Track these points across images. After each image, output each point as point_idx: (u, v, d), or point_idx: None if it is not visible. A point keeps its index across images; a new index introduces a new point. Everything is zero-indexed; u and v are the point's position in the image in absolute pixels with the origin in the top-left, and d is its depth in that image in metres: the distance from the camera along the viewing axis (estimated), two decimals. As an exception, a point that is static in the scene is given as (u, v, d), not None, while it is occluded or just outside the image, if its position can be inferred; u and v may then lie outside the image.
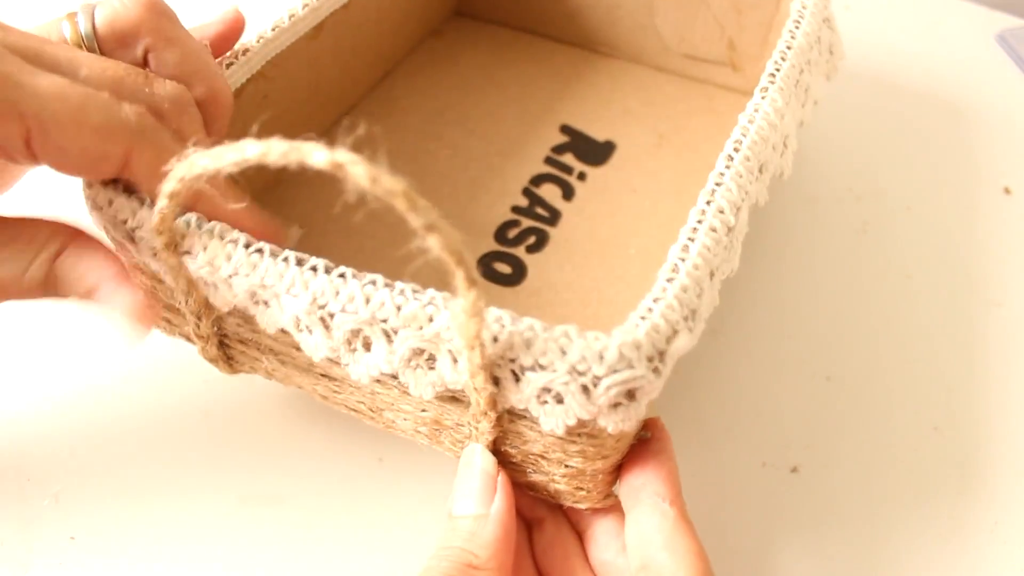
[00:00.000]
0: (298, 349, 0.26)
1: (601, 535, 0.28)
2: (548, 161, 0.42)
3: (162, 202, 0.23)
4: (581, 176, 0.42)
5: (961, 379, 0.38)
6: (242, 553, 0.30)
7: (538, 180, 0.41)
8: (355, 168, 0.19)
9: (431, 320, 0.23)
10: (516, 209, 0.40)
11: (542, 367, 0.22)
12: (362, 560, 0.30)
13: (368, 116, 0.44)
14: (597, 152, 0.43)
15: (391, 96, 0.45)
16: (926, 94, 0.53)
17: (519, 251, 0.38)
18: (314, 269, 0.24)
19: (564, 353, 0.22)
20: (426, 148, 0.43)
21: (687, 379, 0.36)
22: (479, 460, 0.26)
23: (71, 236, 0.26)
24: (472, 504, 0.25)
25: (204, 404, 0.34)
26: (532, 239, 0.39)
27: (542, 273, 0.37)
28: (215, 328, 0.28)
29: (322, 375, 0.28)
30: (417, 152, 0.42)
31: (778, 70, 0.32)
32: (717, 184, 0.27)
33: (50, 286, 0.25)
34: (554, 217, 0.40)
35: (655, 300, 0.24)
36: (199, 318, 0.28)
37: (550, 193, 0.41)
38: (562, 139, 0.43)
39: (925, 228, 0.45)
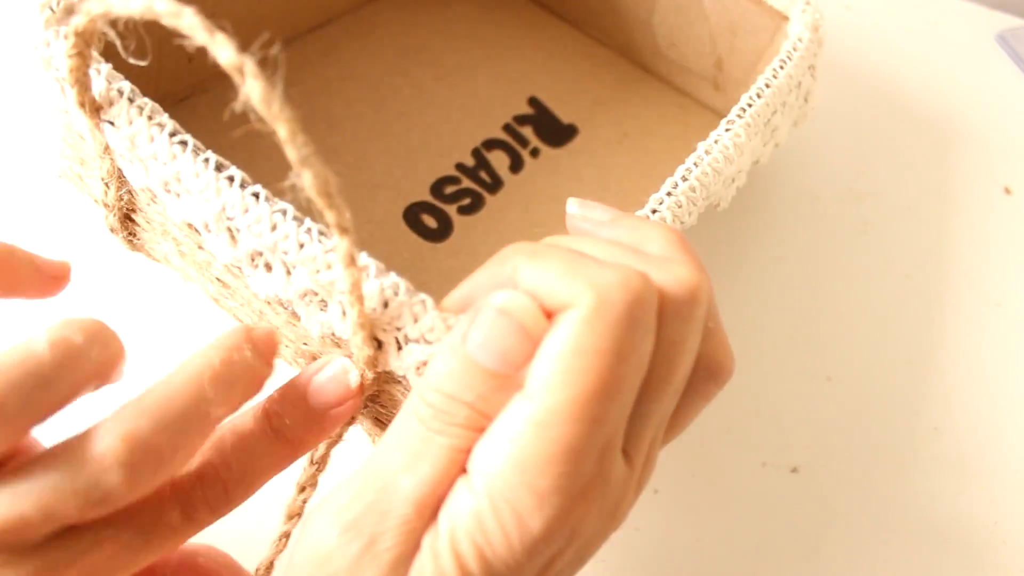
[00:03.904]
0: (200, 247, 0.25)
1: None
2: (506, 128, 0.41)
3: (69, 42, 0.21)
4: (535, 152, 0.41)
5: (961, 379, 0.38)
6: (240, 554, 0.30)
7: (491, 144, 0.41)
8: (253, 81, 0.17)
9: (329, 268, 0.22)
10: (460, 167, 0.39)
11: (427, 342, 0.22)
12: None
13: (344, 33, 0.43)
14: (558, 133, 0.42)
15: (373, 20, 0.44)
16: (926, 94, 0.53)
17: (450, 209, 0.38)
18: (230, 179, 0.23)
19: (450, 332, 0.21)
20: (391, 82, 0.42)
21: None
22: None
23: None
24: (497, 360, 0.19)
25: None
26: (467, 200, 0.38)
27: (466, 236, 0.36)
28: (122, 199, 0.27)
29: (217, 278, 0.27)
30: (381, 83, 0.41)
31: (750, 105, 0.32)
32: (653, 211, 0.27)
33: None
34: (496, 185, 0.39)
35: None
36: (107, 185, 0.26)
37: (499, 160, 0.40)
38: (527, 111, 0.43)
39: (925, 228, 0.45)
